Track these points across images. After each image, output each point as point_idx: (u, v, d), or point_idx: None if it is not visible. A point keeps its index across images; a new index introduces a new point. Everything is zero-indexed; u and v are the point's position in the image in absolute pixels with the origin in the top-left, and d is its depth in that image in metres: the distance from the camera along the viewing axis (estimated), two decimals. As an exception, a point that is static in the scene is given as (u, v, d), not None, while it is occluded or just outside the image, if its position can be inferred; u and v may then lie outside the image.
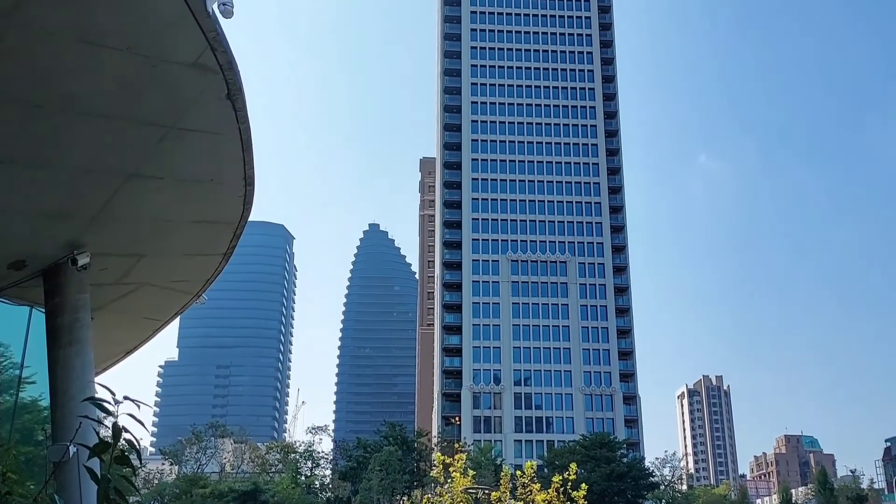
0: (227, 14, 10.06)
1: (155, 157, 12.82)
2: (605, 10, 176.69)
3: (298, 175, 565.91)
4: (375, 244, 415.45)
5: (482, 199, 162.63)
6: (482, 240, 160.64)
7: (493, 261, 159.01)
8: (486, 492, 18.39)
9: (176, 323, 27.55)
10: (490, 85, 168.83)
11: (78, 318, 15.39)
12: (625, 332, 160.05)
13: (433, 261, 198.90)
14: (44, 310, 15.67)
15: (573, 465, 17.26)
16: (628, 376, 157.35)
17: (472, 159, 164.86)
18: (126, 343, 21.66)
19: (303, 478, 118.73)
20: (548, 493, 16.84)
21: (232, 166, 13.43)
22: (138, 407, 5.11)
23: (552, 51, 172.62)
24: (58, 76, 10.43)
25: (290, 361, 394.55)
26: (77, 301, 15.39)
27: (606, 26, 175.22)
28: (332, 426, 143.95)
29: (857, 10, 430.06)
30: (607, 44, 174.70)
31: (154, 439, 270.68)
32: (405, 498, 76.71)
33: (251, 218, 16.09)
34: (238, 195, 14.49)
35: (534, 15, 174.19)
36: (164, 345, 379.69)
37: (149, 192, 13.89)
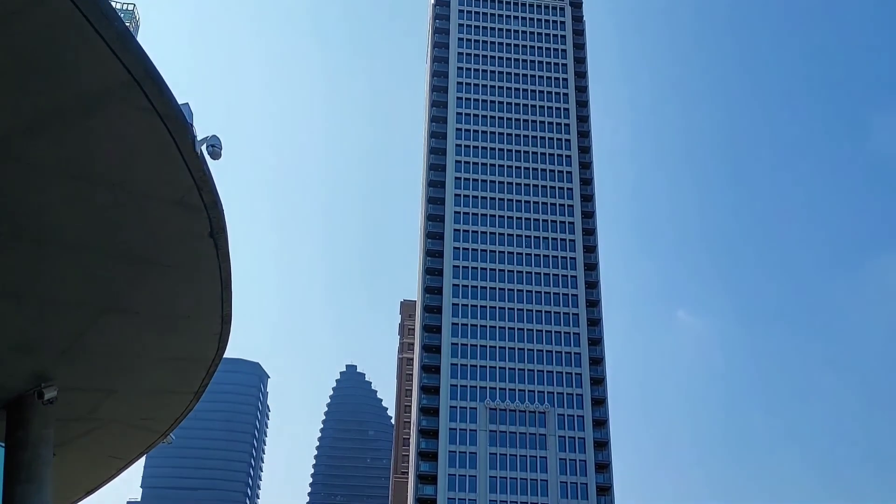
0: (216, 155, 10.28)
1: (132, 291, 12.73)
2: (586, 165, 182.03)
3: (277, 312, 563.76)
4: (352, 386, 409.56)
5: (462, 345, 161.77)
6: (461, 386, 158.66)
7: (471, 408, 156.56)
8: None
9: (141, 461, 26.70)
10: (472, 232, 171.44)
11: (39, 455, 14.84)
12: (604, 490, 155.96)
13: (410, 405, 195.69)
14: (3, 444, 15.13)
15: None
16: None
17: (453, 304, 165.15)
18: (88, 482, 20.85)
19: None
20: None
21: (210, 304, 13.35)
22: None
23: (535, 202, 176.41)
24: (40, 208, 10.47)
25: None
26: (40, 436, 14.89)
27: (587, 181, 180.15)
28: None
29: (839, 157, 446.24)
30: (588, 198, 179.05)
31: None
32: None
33: (225, 354, 15.88)
34: (214, 333, 14.35)
35: (517, 167, 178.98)
36: (128, 484, 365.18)
37: (123, 327, 13.72)
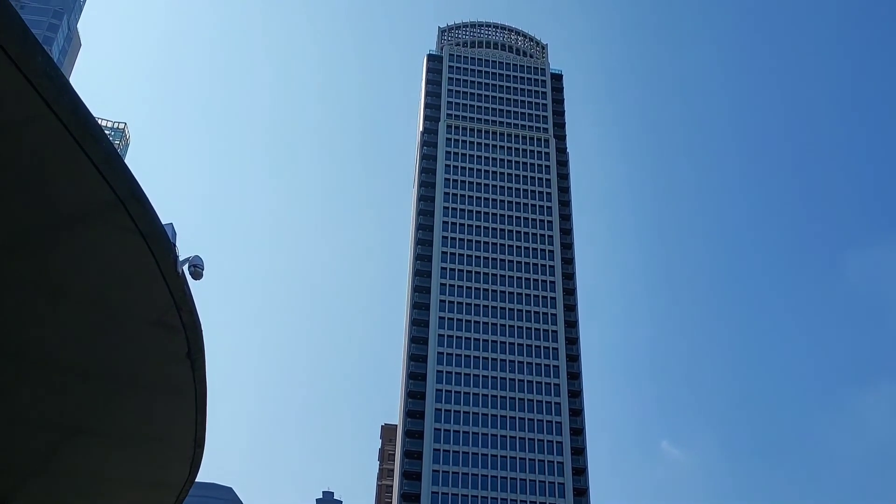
0: (197, 276, 10.21)
1: (104, 412, 12.39)
2: (570, 292, 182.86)
3: (252, 434, 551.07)
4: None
5: (443, 472, 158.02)
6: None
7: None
8: None
9: None
10: (456, 355, 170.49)
11: (-8, 585, 14.04)
12: None
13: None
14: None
15: None
16: None
17: (435, 429, 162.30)
18: None
19: None
20: None
21: (183, 427, 13.00)
22: None
23: (518, 327, 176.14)
24: (14, 324, 10.26)
25: None
26: (-5, 564, 14.12)
27: (571, 307, 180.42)
28: None
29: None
30: (572, 324, 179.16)
31: None
32: None
33: (197, 478, 15.34)
34: (186, 457, 13.91)
35: (501, 292, 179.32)
36: None
37: (93, 449, 13.27)
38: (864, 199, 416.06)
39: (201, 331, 10.87)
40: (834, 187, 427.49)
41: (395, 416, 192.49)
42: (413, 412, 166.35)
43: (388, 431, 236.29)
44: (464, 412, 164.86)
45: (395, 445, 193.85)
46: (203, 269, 10.23)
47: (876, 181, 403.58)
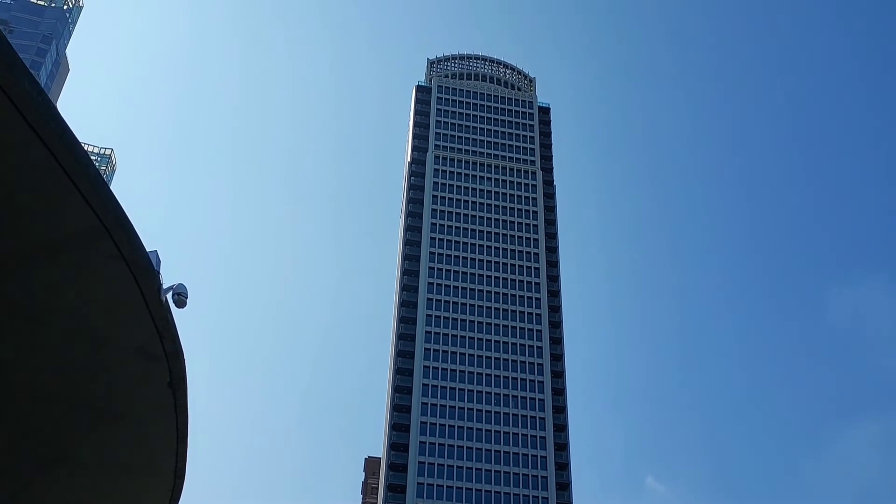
0: (181, 304, 10.10)
1: (83, 442, 12.17)
2: (556, 325, 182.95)
3: (230, 464, 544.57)
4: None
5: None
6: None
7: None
8: None
9: None
10: (441, 387, 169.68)
11: None
12: None
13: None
14: None
15: None
16: None
17: (419, 462, 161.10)
18: None
19: None
20: None
21: (164, 457, 12.79)
22: None
23: (504, 359, 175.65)
24: (-6, 352, 10.11)
25: None
26: None
27: (557, 340, 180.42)
28: None
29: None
30: (557, 357, 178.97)
31: None
32: None
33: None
34: (166, 488, 13.67)
35: (487, 323, 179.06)
36: None
37: (69, 480, 13.00)
38: (844, 237, 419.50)
39: (184, 360, 10.74)
40: (814, 225, 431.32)
41: (379, 450, 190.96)
42: (397, 445, 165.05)
43: (371, 464, 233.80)
44: (448, 445, 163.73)
45: (378, 479, 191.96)
46: (187, 298, 10.13)
47: (856, 219, 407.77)
